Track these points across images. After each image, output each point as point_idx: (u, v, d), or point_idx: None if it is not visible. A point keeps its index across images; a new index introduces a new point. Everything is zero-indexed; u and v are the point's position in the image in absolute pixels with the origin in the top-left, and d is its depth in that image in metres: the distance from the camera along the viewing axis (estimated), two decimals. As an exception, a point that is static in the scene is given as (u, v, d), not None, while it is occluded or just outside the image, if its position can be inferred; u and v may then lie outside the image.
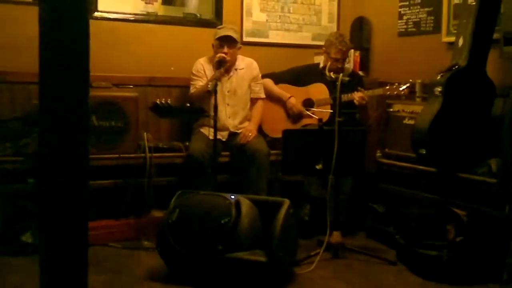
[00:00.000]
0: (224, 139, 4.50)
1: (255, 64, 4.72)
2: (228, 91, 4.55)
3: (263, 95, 4.73)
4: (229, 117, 4.56)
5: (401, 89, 4.35)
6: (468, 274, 3.47)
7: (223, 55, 4.36)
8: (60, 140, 1.50)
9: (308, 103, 4.73)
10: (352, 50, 5.26)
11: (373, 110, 4.83)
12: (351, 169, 3.95)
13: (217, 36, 4.47)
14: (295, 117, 4.75)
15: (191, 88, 4.58)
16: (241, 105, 4.63)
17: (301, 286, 3.42)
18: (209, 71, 4.54)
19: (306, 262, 3.70)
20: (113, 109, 4.20)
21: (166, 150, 4.43)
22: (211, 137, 4.10)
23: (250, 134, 4.48)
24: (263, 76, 4.86)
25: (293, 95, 4.77)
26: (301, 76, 4.84)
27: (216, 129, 3.99)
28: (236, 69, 4.61)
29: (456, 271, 3.47)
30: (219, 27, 4.63)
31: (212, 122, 4.04)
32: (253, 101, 4.70)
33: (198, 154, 4.20)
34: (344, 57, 4.63)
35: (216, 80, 4.11)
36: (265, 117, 4.78)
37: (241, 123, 4.62)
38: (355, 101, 4.43)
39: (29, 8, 4.13)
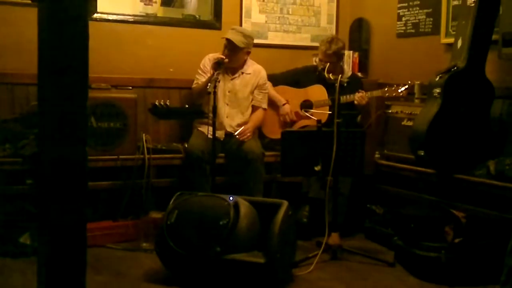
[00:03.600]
0: (221, 139, 4.50)
1: (263, 72, 4.70)
2: (229, 91, 4.56)
3: (265, 105, 4.71)
4: (226, 117, 4.57)
5: (399, 90, 4.35)
6: (467, 275, 3.47)
7: (222, 56, 4.36)
8: (58, 141, 1.50)
9: (307, 105, 4.74)
10: (351, 51, 5.27)
11: (372, 112, 4.84)
12: (350, 170, 3.95)
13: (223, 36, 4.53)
14: (295, 115, 4.76)
15: (194, 82, 4.61)
16: (240, 108, 4.62)
17: (300, 288, 3.42)
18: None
19: (305, 264, 3.70)
20: (112, 111, 4.21)
21: (164, 152, 4.43)
22: (210, 136, 4.10)
23: (248, 133, 4.49)
24: None
25: (292, 97, 4.77)
26: (300, 77, 4.84)
27: (214, 130, 4.00)
28: (242, 73, 4.61)
29: (455, 272, 3.46)
30: (232, 27, 4.64)
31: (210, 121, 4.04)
32: (254, 108, 4.69)
33: (197, 150, 4.23)
34: (330, 60, 4.59)
35: (216, 81, 4.11)
36: (264, 118, 4.78)
37: (239, 126, 4.59)
38: (355, 101, 4.43)
39: (28, 10, 4.12)
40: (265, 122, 4.79)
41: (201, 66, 4.59)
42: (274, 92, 4.82)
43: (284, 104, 4.75)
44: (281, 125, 4.78)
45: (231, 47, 4.45)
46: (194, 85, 4.60)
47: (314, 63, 4.95)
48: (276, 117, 4.80)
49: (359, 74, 5.17)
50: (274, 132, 4.63)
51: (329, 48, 4.59)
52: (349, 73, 4.82)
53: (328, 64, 4.52)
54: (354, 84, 4.54)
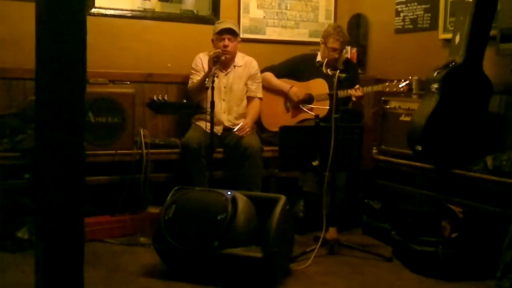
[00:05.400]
0: (219, 133, 4.51)
1: (254, 63, 4.75)
2: (224, 87, 4.60)
3: (259, 95, 4.74)
4: (224, 112, 4.60)
5: (400, 86, 4.35)
6: (464, 270, 3.48)
7: (219, 51, 4.37)
8: (56, 136, 1.50)
9: (309, 98, 4.75)
10: (349, 47, 5.27)
11: (369, 107, 4.84)
12: (348, 165, 3.95)
13: (217, 30, 4.53)
14: (296, 108, 4.76)
15: (189, 82, 4.64)
16: (236, 101, 4.66)
17: (297, 282, 3.42)
18: (207, 65, 4.57)
19: (302, 258, 3.70)
20: (110, 105, 4.20)
21: (162, 147, 4.44)
22: (208, 130, 4.11)
23: (247, 128, 4.50)
24: (262, 70, 4.86)
25: None
26: (299, 67, 4.86)
27: (212, 125, 4.00)
28: (234, 66, 4.65)
29: (452, 267, 3.48)
30: (218, 22, 4.68)
31: (208, 116, 4.05)
32: (249, 99, 4.72)
33: (194, 143, 4.24)
34: (341, 48, 4.66)
35: (213, 76, 4.11)
36: (265, 111, 4.79)
37: (236, 119, 4.64)
38: (353, 97, 4.45)
39: (26, 4, 4.12)
40: (266, 114, 4.79)
41: (193, 66, 4.64)
42: (277, 80, 4.84)
43: (291, 88, 4.77)
44: (287, 112, 4.79)
45: (231, 36, 4.52)
46: (189, 84, 4.62)
47: (318, 56, 4.89)
48: (277, 109, 4.80)
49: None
50: (275, 125, 4.62)
51: (344, 35, 4.66)
52: (344, 58, 4.84)
53: (327, 53, 4.56)
54: (351, 73, 4.52)
